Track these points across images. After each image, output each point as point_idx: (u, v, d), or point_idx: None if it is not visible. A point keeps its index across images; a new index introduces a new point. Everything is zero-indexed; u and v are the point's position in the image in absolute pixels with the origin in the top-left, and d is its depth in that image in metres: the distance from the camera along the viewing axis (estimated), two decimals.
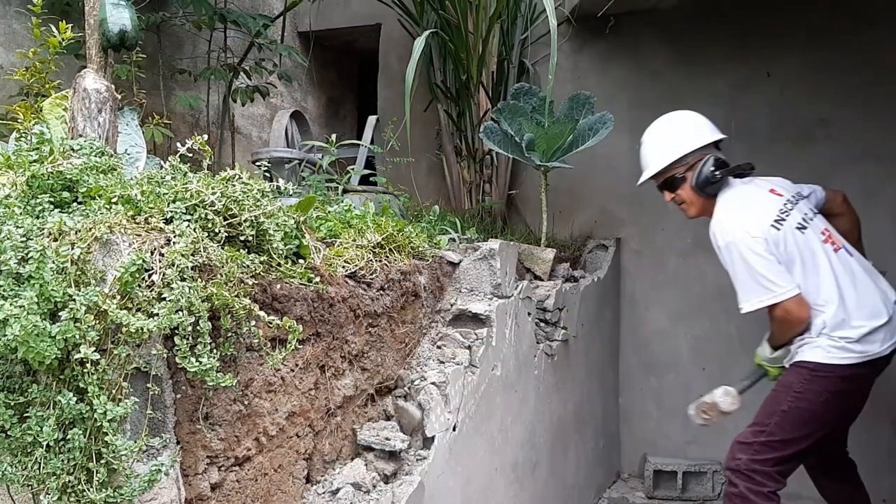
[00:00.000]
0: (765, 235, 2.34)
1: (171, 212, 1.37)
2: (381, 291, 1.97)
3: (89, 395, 1.18)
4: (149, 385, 1.24)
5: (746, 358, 2.85)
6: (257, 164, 2.95)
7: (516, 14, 4.00)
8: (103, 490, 1.19)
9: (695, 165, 2.53)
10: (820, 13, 3.64)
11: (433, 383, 2.01)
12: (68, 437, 1.18)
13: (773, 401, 2.42)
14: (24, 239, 1.21)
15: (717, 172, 2.48)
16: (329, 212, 2.16)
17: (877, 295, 2.39)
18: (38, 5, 2.38)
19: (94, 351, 1.17)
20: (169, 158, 1.55)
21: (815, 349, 2.34)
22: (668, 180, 2.59)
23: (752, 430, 2.42)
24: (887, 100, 3.51)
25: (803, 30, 3.68)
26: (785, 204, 2.44)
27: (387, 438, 1.85)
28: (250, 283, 1.42)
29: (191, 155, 1.56)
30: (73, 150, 1.50)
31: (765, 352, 2.57)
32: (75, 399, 1.18)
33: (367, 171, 3.19)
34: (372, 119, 3.57)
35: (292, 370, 1.59)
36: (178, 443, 1.30)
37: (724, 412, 2.53)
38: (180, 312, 1.23)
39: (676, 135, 2.60)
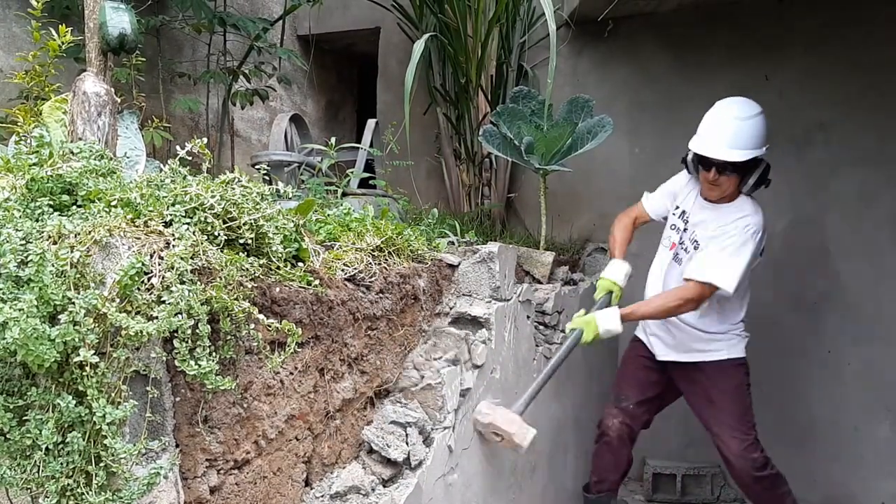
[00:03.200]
0: (760, 249, 2.69)
1: (171, 215, 1.37)
2: (381, 294, 1.97)
3: (88, 398, 1.18)
4: (148, 388, 1.24)
5: None
6: (257, 167, 2.95)
7: (515, 18, 4.00)
8: (102, 493, 1.19)
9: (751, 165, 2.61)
10: (818, 17, 3.65)
11: (430, 385, 2.01)
12: (67, 440, 1.18)
13: (738, 398, 2.75)
14: (23, 242, 1.21)
15: (766, 181, 2.67)
16: (328, 215, 2.16)
17: None
18: (38, 9, 2.38)
19: (94, 354, 1.16)
20: (168, 161, 1.55)
21: (740, 345, 2.79)
22: (729, 165, 2.58)
23: (744, 430, 2.71)
24: (887, 104, 3.51)
25: (802, 34, 3.68)
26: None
27: (387, 445, 1.85)
28: (249, 286, 1.42)
29: (190, 158, 1.56)
30: (72, 153, 1.50)
31: (612, 324, 2.57)
32: (74, 402, 1.18)
33: (366, 175, 3.20)
34: (371, 122, 3.58)
35: (291, 373, 1.59)
36: (177, 446, 1.30)
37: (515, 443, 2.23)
38: (179, 315, 1.23)
39: (763, 130, 2.59)
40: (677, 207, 2.87)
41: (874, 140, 3.54)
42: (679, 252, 2.80)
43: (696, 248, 2.72)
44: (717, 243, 2.61)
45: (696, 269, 2.61)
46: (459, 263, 2.45)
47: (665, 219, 2.98)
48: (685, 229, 2.79)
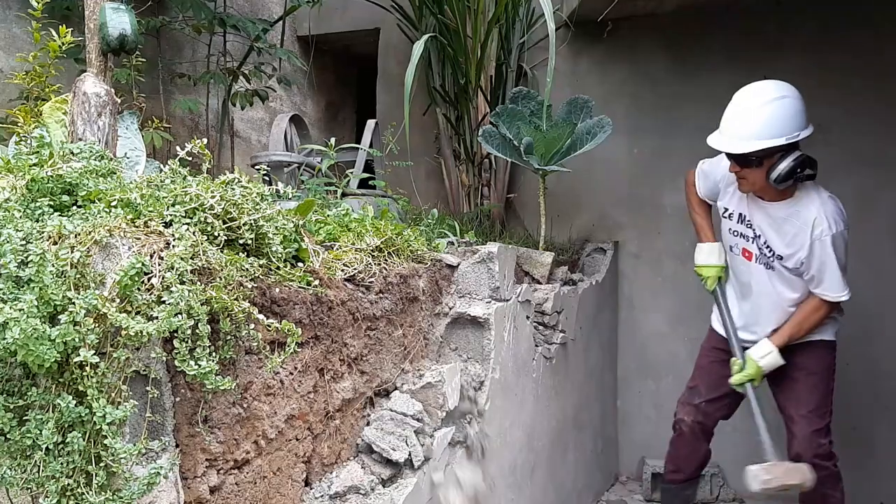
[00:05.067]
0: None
1: (171, 215, 1.38)
2: (380, 295, 1.98)
3: (89, 398, 1.18)
4: (148, 388, 1.24)
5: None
6: (256, 167, 2.96)
7: (514, 18, 4.01)
8: (102, 493, 1.19)
9: (781, 153, 2.37)
10: (817, 18, 3.65)
11: (430, 383, 2.01)
12: (67, 440, 1.18)
13: (821, 381, 2.63)
14: (23, 242, 1.21)
15: (803, 174, 2.44)
16: (328, 215, 2.17)
17: None
18: (39, 9, 2.39)
19: (94, 354, 1.17)
20: (168, 162, 1.56)
21: (833, 328, 2.64)
22: (750, 156, 2.37)
23: (819, 414, 2.61)
24: (886, 105, 3.52)
25: (801, 33, 3.69)
26: None
27: (387, 445, 1.85)
28: (249, 286, 1.42)
29: (190, 158, 1.57)
30: (72, 153, 1.50)
31: (774, 360, 2.55)
32: (74, 402, 1.18)
33: (366, 175, 3.20)
34: (371, 123, 3.58)
35: (291, 373, 1.59)
36: (177, 446, 1.31)
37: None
38: (179, 316, 1.23)
39: (785, 114, 2.35)
40: (727, 210, 2.68)
41: (873, 141, 3.55)
42: (762, 259, 2.62)
43: (775, 257, 2.56)
44: (816, 260, 2.48)
45: (814, 287, 2.53)
46: (459, 264, 2.46)
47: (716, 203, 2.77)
48: (757, 235, 2.61)
